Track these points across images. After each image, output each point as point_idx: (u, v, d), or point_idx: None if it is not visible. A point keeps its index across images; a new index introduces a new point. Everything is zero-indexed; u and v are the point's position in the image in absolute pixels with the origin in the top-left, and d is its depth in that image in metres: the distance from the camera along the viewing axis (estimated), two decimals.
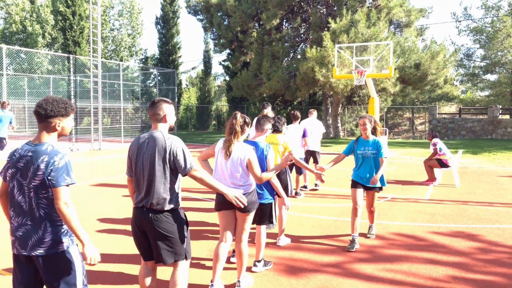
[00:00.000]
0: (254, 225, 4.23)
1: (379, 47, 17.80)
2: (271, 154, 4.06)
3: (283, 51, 22.23)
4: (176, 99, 25.07)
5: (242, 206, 3.20)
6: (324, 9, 22.78)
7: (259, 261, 4.28)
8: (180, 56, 33.10)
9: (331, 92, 20.91)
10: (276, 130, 5.26)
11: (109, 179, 9.70)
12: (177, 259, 3.02)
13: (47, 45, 36.95)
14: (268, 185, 4.20)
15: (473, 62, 33.91)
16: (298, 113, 7.83)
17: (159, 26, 32.56)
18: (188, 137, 24.44)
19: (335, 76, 15.54)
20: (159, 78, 28.60)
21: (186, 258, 3.08)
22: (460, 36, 65.94)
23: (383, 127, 22.33)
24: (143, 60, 38.11)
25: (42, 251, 2.45)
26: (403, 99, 26.82)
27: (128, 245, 4.97)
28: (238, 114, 3.67)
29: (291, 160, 3.62)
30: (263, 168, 3.99)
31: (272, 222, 4.27)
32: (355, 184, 5.18)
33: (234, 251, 4.49)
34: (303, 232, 5.64)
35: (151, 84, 33.56)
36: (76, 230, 2.40)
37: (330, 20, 19.13)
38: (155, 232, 2.93)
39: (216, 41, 26.92)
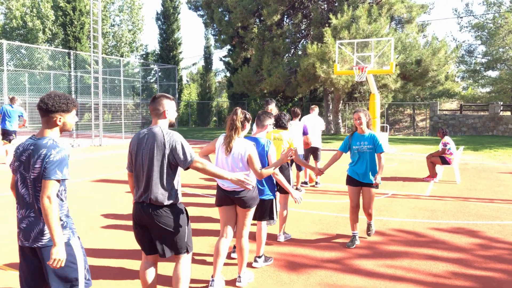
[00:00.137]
0: (255, 221, 4.24)
1: (380, 43, 17.74)
2: (272, 150, 4.06)
3: (284, 47, 22.18)
4: (177, 95, 25.05)
5: (250, 188, 3.14)
6: (325, 5, 22.70)
7: (259, 257, 4.29)
8: (180, 52, 33.06)
9: (332, 88, 20.88)
10: (281, 126, 5.25)
11: (110, 175, 9.71)
12: (178, 253, 3.04)
13: (47, 41, 36.89)
14: (269, 181, 4.21)
15: (475, 59, 33.83)
16: (298, 110, 7.83)
17: (159, 22, 32.51)
18: (189, 133, 24.44)
19: (336, 72, 15.51)
20: (159, 74, 28.57)
21: (187, 251, 3.08)
22: (462, 32, 65.66)
23: (383, 123, 22.31)
24: (144, 56, 38.06)
25: (43, 242, 2.48)
26: (404, 96, 26.78)
27: (128, 241, 4.98)
28: (239, 110, 3.67)
29: (291, 156, 3.61)
30: (264, 164, 3.99)
31: (273, 218, 4.27)
32: (350, 181, 4.99)
33: (234, 247, 4.50)
34: (303, 228, 5.65)
35: (151, 80, 33.53)
36: (52, 227, 2.37)
37: (331, 16, 19.06)
38: (156, 226, 2.94)
39: (217, 37, 26.86)
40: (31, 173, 2.46)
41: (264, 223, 4.26)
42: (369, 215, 5.09)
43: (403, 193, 7.99)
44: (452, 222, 6.02)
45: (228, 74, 31.80)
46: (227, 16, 24.25)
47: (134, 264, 4.30)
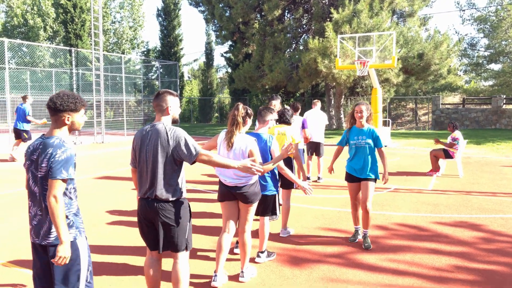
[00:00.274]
0: (258, 217, 4.24)
1: (382, 37, 17.66)
2: (274, 145, 4.06)
3: (285, 42, 22.10)
4: (178, 92, 25.02)
5: (260, 174, 3.10)
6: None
7: (262, 252, 4.30)
8: (182, 48, 32.97)
9: (334, 83, 20.79)
10: (284, 121, 5.24)
11: (112, 172, 9.73)
12: (177, 250, 3.04)
13: (48, 38, 36.88)
14: (271, 176, 4.21)
15: (477, 52, 33.64)
16: (298, 105, 7.82)
17: (160, 18, 32.41)
18: (191, 130, 24.45)
19: (337, 67, 15.46)
20: (161, 70, 28.54)
21: (186, 248, 3.09)
22: (464, 26, 65.39)
23: (386, 118, 22.25)
24: (145, 52, 38.02)
25: (50, 240, 2.52)
26: (406, 90, 26.66)
27: (131, 237, 5.00)
28: (240, 105, 3.66)
29: (291, 151, 3.60)
30: (267, 160, 3.99)
31: (275, 214, 4.28)
32: (348, 177, 4.81)
33: (237, 242, 4.51)
34: (306, 223, 5.65)
35: (153, 77, 33.50)
36: (58, 225, 2.41)
37: (332, 10, 18.97)
38: (160, 220, 2.95)
39: (218, 33, 26.76)
40: (39, 171, 2.50)
41: (266, 218, 4.26)
42: (366, 212, 4.65)
43: (406, 187, 7.98)
44: (455, 216, 6.01)
45: (229, 70, 31.74)
46: (228, 11, 24.16)
47: (137, 260, 4.32)
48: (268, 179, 4.17)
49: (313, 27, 22.31)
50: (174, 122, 3.11)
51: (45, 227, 2.53)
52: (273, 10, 21.14)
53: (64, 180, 2.45)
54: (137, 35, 39.99)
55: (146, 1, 75.31)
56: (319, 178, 8.63)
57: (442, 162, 9.52)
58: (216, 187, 7.35)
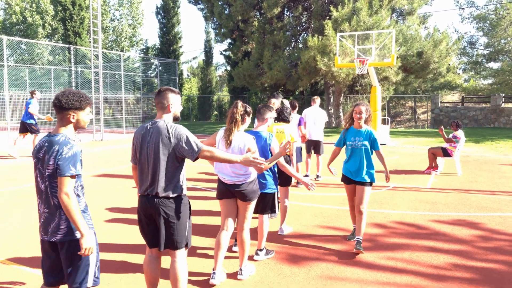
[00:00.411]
0: (257, 214, 4.25)
1: (381, 36, 17.65)
2: (274, 142, 4.07)
3: (285, 40, 22.07)
4: (177, 90, 24.93)
5: (263, 166, 3.09)
6: None
7: (261, 250, 4.31)
8: (181, 46, 32.92)
9: (333, 82, 20.80)
10: (283, 119, 5.24)
11: (111, 170, 9.73)
12: (176, 248, 3.04)
13: (47, 36, 36.80)
14: (271, 174, 4.21)
15: (476, 50, 33.63)
16: (295, 103, 7.83)
17: (159, 16, 32.35)
18: (190, 128, 24.43)
19: (337, 65, 15.45)
20: (160, 68, 28.50)
21: (186, 246, 3.10)
22: (463, 24, 65.34)
23: (385, 116, 22.26)
24: (144, 50, 37.96)
25: (59, 237, 2.57)
26: (405, 88, 26.67)
27: (131, 235, 5.00)
28: (239, 103, 3.67)
29: (289, 150, 3.60)
30: (267, 158, 4.00)
31: (274, 212, 4.29)
32: (344, 179, 4.71)
33: (236, 240, 4.52)
34: (304, 221, 5.66)
35: (152, 75, 33.47)
36: (76, 221, 2.47)
37: (332, 8, 18.95)
38: (160, 216, 2.96)
39: (217, 31, 26.72)
40: (46, 169, 2.54)
41: (265, 216, 4.27)
42: (359, 214, 4.49)
43: (404, 185, 7.99)
44: (453, 214, 6.02)
45: (228, 68, 31.69)
46: (227, 9, 24.12)
47: (136, 258, 4.32)
48: (268, 177, 4.17)
49: (312, 25, 22.30)
50: (175, 119, 3.11)
51: (53, 224, 2.57)
52: (272, 8, 21.11)
53: (72, 177, 2.50)
54: (136, 32, 39.93)
55: None
56: (318, 176, 8.63)
57: (440, 160, 9.54)
58: (215, 185, 7.35)
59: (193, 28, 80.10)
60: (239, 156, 3.05)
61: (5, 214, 5.94)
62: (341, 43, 16.21)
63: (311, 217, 5.84)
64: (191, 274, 3.86)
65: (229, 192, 3.72)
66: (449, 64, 23.46)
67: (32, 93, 11.38)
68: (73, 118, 2.61)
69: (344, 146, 4.76)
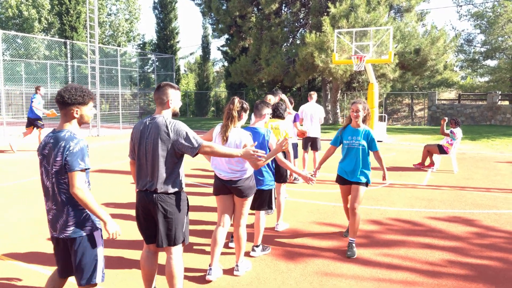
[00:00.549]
0: (253, 211, 4.25)
1: (379, 32, 17.64)
2: (272, 138, 4.06)
3: (282, 36, 22.02)
4: (177, 85, 24.85)
5: (263, 159, 3.08)
6: None
7: (257, 246, 4.32)
8: (178, 42, 32.78)
9: (330, 78, 20.80)
10: (278, 116, 5.23)
11: (108, 165, 9.71)
12: (173, 244, 3.02)
13: (43, 30, 36.55)
14: (268, 171, 4.21)
15: (473, 48, 33.68)
16: (291, 99, 7.84)
17: (156, 11, 32.17)
18: (187, 123, 24.30)
19: (334, 61, 15.43)
20: (157, 63, 28.38)
21: (183, 242, 3.09)
22: (461, 21, 65.28)
23: (382, 113, 22.30)
24: (141, 45, 37.76)
25: (67, 234, 2.59)
26: (402, 85, 26.72)
27: (127, 231, 4.99)
28: (236, 99, 3.66)
29: (285, 145, 3.57)
30: (266, 154, 3.99)
31: (271, 208, 4.29)
32: (339, 179, 4.60)
33: (232, 236, 4.52)
34: (301, 217, 5.67)
35: (149, 70, 33.32)
36: (96, 211, 2.52)
37: (329, 4, 18.91)
38: (159, 212, 2.95)
39: (215, 26, 26.62)
40: (53, 166, 2.54)
41: (262, 212, 4.27)
42: (353, 214, 4.37)
43: (401, 182, 8.02)
44: (449, 211, 6.05)
45: (226, 63, 31.61)
46: (225, 5, 24.02)
47: (133, 254, 4.32)
48: (265, 174, 4.17)
49: (310, 21, 22.25)
50: (175, 115, 3.10)
51: (61, 220, 2.58)
52: (270, 4, 21.03)
53: (82, 171, 2.51)
54: (133, 27, 39.73)
55: None
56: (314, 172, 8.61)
57: (437, 157, 9.57)
58: (211, 181, 7.35)
59: (190, 24, 79.81)
60: (239, 150, 3.04)
61: (2, 207, 5.92)
62: (339, 39, 16.19)
63: (307, 214, 5.85)
64: (187, 270, 3.87)
65: (226, 188, 3.72)
66: (446, 62, 23.53)
67: (37, 88, 11.50)
68: (77, 113, 2.61)
69: (340, 145, 4.64)
